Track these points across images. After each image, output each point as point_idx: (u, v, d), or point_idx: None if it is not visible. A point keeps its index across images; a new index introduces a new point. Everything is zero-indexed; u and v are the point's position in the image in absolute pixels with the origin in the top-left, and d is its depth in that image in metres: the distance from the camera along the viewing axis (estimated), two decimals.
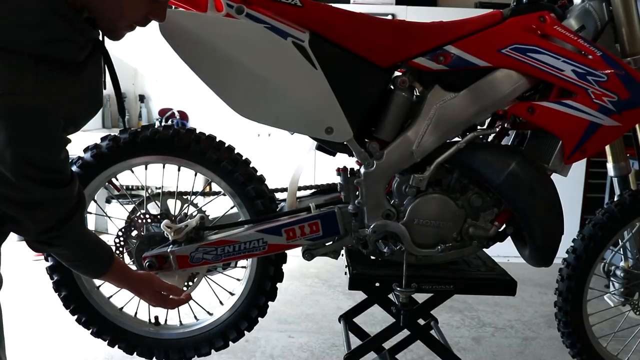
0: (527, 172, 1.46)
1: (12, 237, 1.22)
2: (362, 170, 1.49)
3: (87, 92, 1.13)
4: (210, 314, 1.72)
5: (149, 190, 1.73)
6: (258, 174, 1.62)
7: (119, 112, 1.36)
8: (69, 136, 1.12)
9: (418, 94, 1.52)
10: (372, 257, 1.62)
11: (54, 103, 0.99)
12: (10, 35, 0.94)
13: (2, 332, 1.23)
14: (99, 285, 1.68)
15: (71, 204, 1.11)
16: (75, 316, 1.66)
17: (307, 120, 1.45)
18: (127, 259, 1.62)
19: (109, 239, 1.62)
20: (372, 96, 1.47)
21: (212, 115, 3.35)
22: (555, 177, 1.51)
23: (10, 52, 0.94)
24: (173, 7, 1.44)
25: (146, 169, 1.63)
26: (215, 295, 1.72)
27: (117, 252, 1.61)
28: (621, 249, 1.92)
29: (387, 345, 1.73)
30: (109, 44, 1.20)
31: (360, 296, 1.92)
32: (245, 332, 1.69)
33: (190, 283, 1.64)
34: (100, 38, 1.16)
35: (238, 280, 1.70)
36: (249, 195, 1.57)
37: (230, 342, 1.70)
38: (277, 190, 1.68)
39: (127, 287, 1.39)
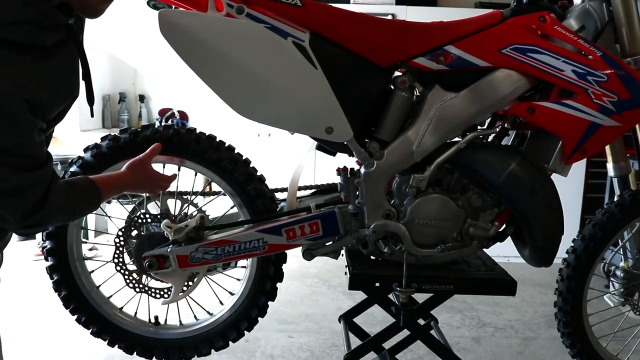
0: (527, 172, 1.46)
1: (13, 237, 1.22)
2: (362, 170, 1.49)
3: (58, 79, 1.09)
4: (210, 314, 1.72)
5: None
6: (258, 174, 1.62)
7: (88, 100, 1.27)
8: (43, 124, 1.07)
9: (418, 94, 1.52)
10: (372, 257, 1.62)
11: (16, 85, 0.97)
12: None
13: None
14: (99, 285, 1.68)
15: (46, 184, 1.07)
16: (75, 316, 1.66)
17: (307, 120, 1.45)
18: (127, 259, 1.62)
19: (109, 239, 1.62)
20: (373, 96, 1.47)
21: (212, 115, 3.36)
22: (555, 177, 1.51)
23: None
24: (173, 6, 1.44)
25: None
26: (215, 295, 1.72)
27: (117, 252, 1.60)
28: (621, 249, 1.92)
29: (387, 345, 1.73)
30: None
31: (360, 296, 1.92)
32: (245, 332, 1.69)
33: (190, 283, 1.64)
34: (74, 25, 1.13)
35: (238, 280, 1.70)
36: (249, 195, 1.57)
37: (230, 342, 1.70)
38: (277, 190, 1.69)
39: (126, 191, 1.40)
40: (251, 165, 1.61)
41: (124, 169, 1.39)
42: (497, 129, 1.57)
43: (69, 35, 1.11)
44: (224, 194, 1.65)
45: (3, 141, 0.97)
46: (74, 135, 3.54)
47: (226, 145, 1.60)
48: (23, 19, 0.97)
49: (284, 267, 1.66)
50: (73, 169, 1.57)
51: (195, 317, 1.73)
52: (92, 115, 1.37)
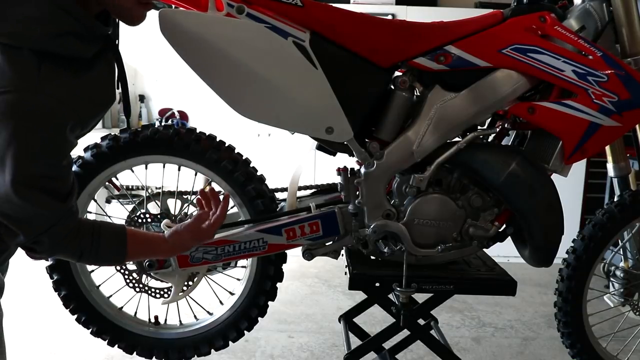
0: (527, 172, 1.46)
1: None
2: (363, 170, 1.49)
3: (97, 90, 1.08)
4: (210, 314, 1.72)
5: (149, 190, 1.73)
6: (258, 173, 1.62)
7: (125, 111, 1.28)
8: (76, 139, 1.06)
9: (418, 94, 1.52)
10: (372, 257, 1.62)
11: (59, 100, 0.95)
12: (11, 30, 0.91)
13: (2, 337, 1.19)
14: (99, 285, 1.68)
15: (54, 221, 1.02)
16: (75, 315, 1.65)
17: (308, 120, 1.45)
18: None
19: None
20: (373, 96, 1.47)
21: (212, 115, 3.35)
22: (555, 177, 1.51)
23: (12, 48, 0.91)
24: (173, 6, 1.44)
25: (146, 168, 1.63)
26: (215, 295, 1.72)
27: None
28: (621, 249, 1.92)
29: (387, 345, 1.73)
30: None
31: (360, 296, 1.92)
32: (245, 332, 1.69)
33: (190, 283, 1.64)
34: (112, 35, 1.13)
35: (238, 280, 1.70)
36: (249, 195, 1.57)
37: (230, 342, 1.70)
38: (277, 190, 1.69)
39: (164, 256, 1.38)
40: (251, 165, 1.61)
41: (165, 234, 1.26)
42: (497, 129, 1.57)
43: (107, 45, 1.10)
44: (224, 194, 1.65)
45: (33, 157, 0.93)
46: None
47: (226, 145, 1.60)
48: (66, 31, 0.96)
49: (284, 267, 1.66)
50: (73, 168, 1.56)
51: (195, 316, 1.73)
52: (128, 127, 1.39)
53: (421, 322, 1.89)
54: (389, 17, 3.59)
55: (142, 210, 1.62)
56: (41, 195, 0.97)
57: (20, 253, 1.28)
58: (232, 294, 1.71)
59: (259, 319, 1.69)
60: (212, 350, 1.70)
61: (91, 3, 1.02)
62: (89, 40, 1.02)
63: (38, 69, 0.93)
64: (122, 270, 1.62)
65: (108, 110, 1.18)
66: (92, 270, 1.66)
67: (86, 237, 1.11)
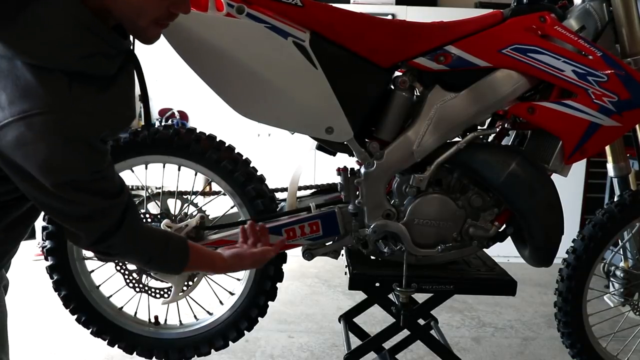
0: (527, 172, 1.46)
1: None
2: (363, 170, 1.49)
3: (121, 102, 1.12)
4: (210, 314, 1.72)
5: (149, 190, 1.73)
6: (258, 174, 1.62)
7: (145, 122, 1.33)
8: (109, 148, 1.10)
9: (418, 94, 1.52)
10: (372, 257, 1.62)
11: (91, 117, 0.99)
12: (42, 53, 0.93)
13: (5, 335, 1.21)
14: (99, 285, 1.68)
15: (117, 217, 1.07)
16: (75, 315, 1.65)
17: (308, 120, 1.45)
18: None
19: None
20: (373, 96, 1.47)
21: (212, 115, 3.35)
22: (555, 177, 1.51)
23: (43, 69, 0.93)
24: None
25: (146, 168, 1.63)
26: (215, 294, 1.72)
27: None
28: (621, 249, 1.92)
29: (387, 345, 1.73)
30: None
31: (360, 296, 1.92)
32: (245, 332, 1.69)
33: (190, 283, 1.64)
34: (132, 47, 1.15)
35: (238, 280, 1.70)
36: (249, 195, 1.57)
37: (230, 342, 1.70)
38: (277, 190, 1.69)
39: (215, 271, 1.44)
40: (251, 165, 1.61)
41: (224, 253, 1.32)
42: (497, 129, 1.57)
43: (128, 57, 1.13)
44: (224, 194, 1.65)
45: (74, 169, 0.98)
46: None
47: (226, 145, 1.60)
48: (94, 51, 0.99)
49: (284, 267, 1.66)
50: None
51: (195, 316, 1.73)
52: (149, 142, 1.45)
53: (421, 322, 1.89)
54: (389, 17, 3.59)
55: (142, 210, 1.62)
56: (89, 195, 1.01)
57: (20, 253, 1.28)
58: (232, 294, 1.71)
59: (259, 319, 1.69)
60: (212, 350, 1.70)
61: (108, 17, 1.04)
62: (113, 56, 1.05)
63: (69, 89, 0.96)
64: (122, 270, 1.62)
65: (132, 121, 1.20)
66: (92, 270, 1.67)
67: (156, 242, 1.16)
